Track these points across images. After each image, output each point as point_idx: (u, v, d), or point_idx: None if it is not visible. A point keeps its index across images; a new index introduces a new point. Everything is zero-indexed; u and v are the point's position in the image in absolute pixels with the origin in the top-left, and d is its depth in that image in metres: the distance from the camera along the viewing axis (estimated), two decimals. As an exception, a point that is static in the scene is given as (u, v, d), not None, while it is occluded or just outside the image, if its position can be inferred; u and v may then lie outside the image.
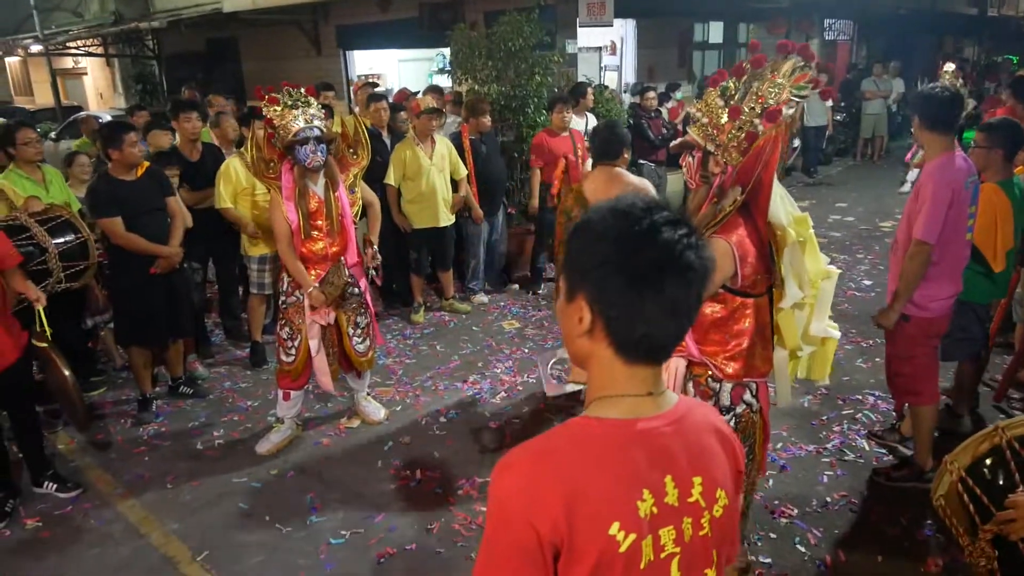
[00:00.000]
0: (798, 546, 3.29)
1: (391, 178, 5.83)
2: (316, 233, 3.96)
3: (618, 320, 1.13)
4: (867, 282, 6.73)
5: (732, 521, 1.27)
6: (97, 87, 20.09)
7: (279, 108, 3.79)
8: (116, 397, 5.05)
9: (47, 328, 3.62)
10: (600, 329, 1.14)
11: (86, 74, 20.23)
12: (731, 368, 2.48)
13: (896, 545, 3.28)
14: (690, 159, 2.37)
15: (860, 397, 4.56)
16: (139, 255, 4.38)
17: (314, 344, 4.06)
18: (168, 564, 3.35)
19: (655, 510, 1.14)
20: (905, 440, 3.93)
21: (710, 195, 2.42)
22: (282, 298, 4.15)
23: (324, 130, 3.83)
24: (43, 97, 20.41)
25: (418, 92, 11.25)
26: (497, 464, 1.17)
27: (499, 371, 5.20)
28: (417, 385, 5.00)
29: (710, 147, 2.27)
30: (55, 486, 3.89)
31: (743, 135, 2.20)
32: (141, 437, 4.50)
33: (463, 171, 6.11)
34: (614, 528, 1.10)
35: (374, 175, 5.90)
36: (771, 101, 2.18)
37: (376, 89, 7.77)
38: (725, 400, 2.51)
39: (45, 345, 3.66)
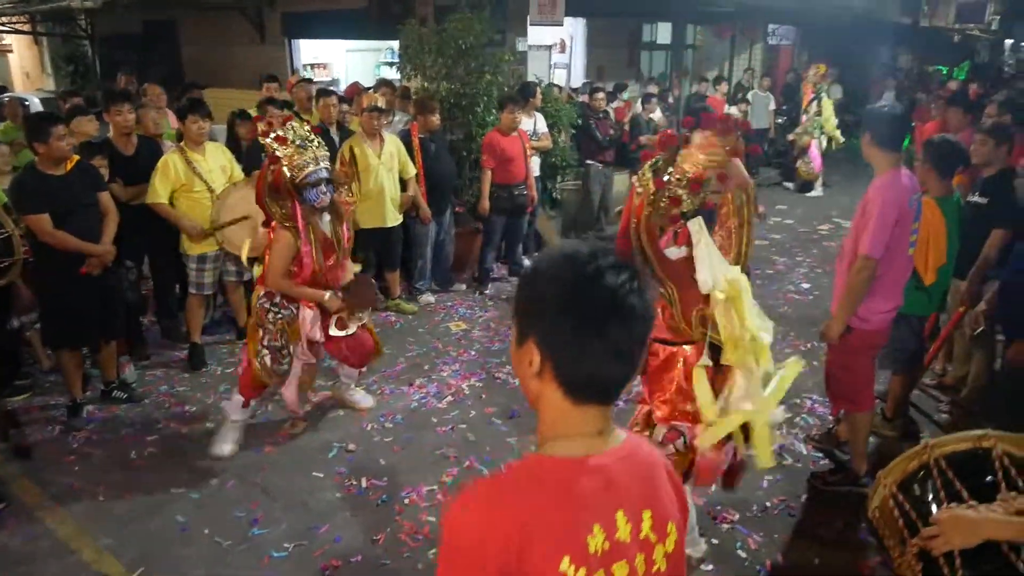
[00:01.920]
0: (739, 551, 3.37)
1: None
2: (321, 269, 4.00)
3: (565, 362, 1.17)
4: (805, 285, 6.90)
5: (683, 556, 1.31)
6: (23, 66, 19.14)
7: (289, 149, 3.74)
8: (44, 402, 4.82)
9: None
10: (549, 370, 1.18)
11: (11, 52, 19.22)
12: (660, 412, 2.75)
13: (833, 548, 3.40)
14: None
15: (799, 401, 4.67)
16: (68, 253, 4.20)
17: (297, 366, 4.11)
18: (101, 582, 3.23)
19: (606, 545, 1.17)
20: (841, 444, 4.04)
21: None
22: (272, 312, 4.03)
23: (330, 169, 3.89)
24: (-35, 75, 19.41)
25: (369, 88, 11.15)
26: (454, 499, 1.20)
27: (446, 374, 5.16)
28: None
29: (648, 211, 2.57)
30: (-24, 500, 3.70)
31: (667, 202, 2.49)
32: (71, 445, 4.31)
33: (412, 170, 6.03)
34: (564, 563, 1.13)
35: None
36: (689, 171, 2.51)
37: (315, 81, 7.61)
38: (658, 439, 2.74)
39: None
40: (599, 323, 1.14)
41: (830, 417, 4.37)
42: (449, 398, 4.81)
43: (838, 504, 3.63)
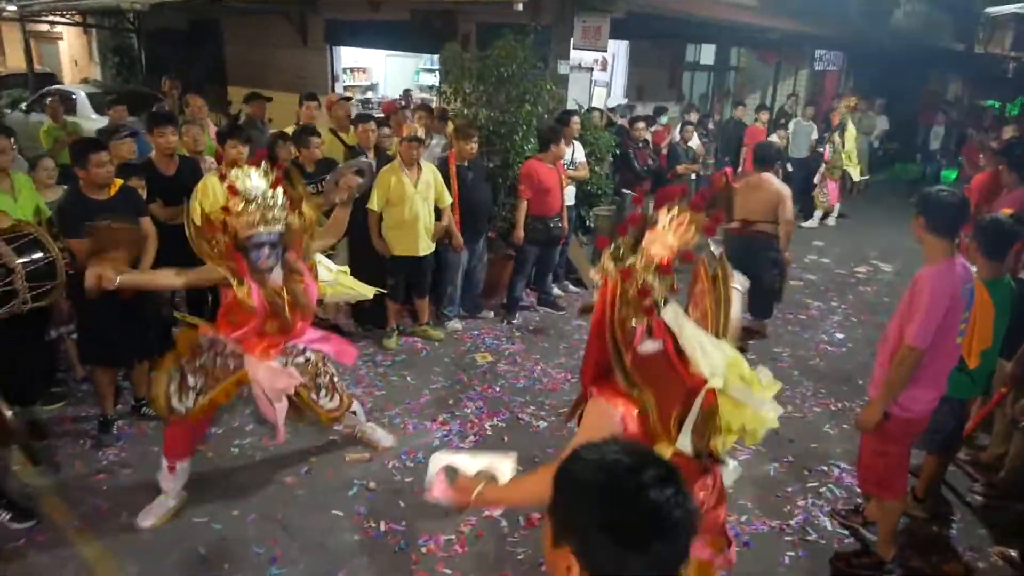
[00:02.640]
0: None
1: (374, 203, 5.75)
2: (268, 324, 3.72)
3: (605, 574, 1.15)
4: (839, 335, 6.79)
5: None
6: (72, 54, 19.52)
7: (238, 201, 3.47)
8: (76, 413, 4.93)
9: None
10: None
11: (61, 39, 19.63)
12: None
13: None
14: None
15: (826, 468, 4.60)
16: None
17: (280, 407, 3.84)
18: (121, 614, 3.29)
19: None
20: (868, 524, 3.97)
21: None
22: (207, 355, 3.76)
23: (285, 229, 3.58)
24: (15, 60, 19.81)
25: (408, 91, 11.20)
26: None
27: (469, 411, 5.17)
28: (386, 422, 4.94)
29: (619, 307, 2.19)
30: (8, 515, 3.79)
31: (636, 293, 2.15)
32: (100, 462, 4.40)
33: (447, 199, 6.04)
34: None
35: (358, 199, 5.83)
36: (659, 254, 2.15)
37: (354, 86, 7.61)
38: None
39: None
40: (642, 541, 1.12)
41: (858, 489, 4.30)
42: (472, 438, 4.82)
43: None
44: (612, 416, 2.14)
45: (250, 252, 3.51)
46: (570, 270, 7.90)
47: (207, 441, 4.57)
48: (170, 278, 3.75)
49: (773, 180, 6.13)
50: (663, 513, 1.11)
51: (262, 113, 8.06)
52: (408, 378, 5.66)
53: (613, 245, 2.22)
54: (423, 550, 3.76)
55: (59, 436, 4.65)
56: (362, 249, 6.03)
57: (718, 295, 2.40)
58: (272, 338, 3.76)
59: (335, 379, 4.17)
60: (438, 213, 6.06)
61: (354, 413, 4.46)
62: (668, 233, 2.17)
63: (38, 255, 4.17)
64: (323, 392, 4.07)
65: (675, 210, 2.20)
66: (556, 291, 7.48)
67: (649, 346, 2.22)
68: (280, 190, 3.56)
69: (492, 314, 6.99)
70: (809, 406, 5.40)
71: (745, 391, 2.27)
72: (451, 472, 2.27)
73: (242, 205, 3.45)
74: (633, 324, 2.18)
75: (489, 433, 4.90)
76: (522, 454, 4.54)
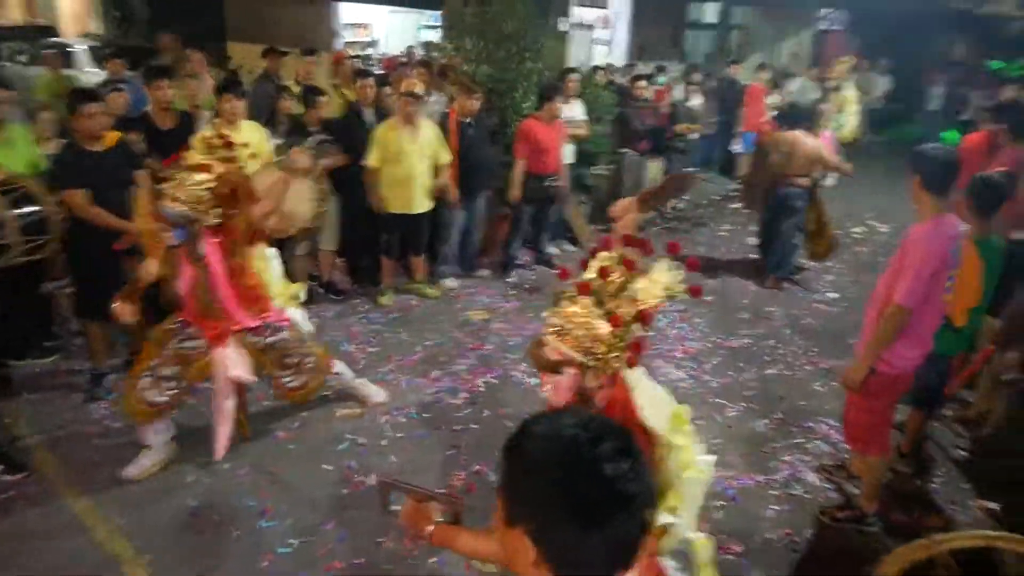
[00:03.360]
0: (736, 587, 3.36)
1: (371, 159, 5.68)
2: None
3: (562, 555, 1.12)
4: (832, 294, 6.77)
5: None
6: (72, 7, 19.23)
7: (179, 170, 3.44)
8: (69, 367, 4.95)
9: None
10: (543, 561, 1.13)
11: (60, -9, 19.32)
12: None
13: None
14: (560, 379, 1.98)
15: (813, 425, 4.62)
16: (102, 229, 4.25)
17: (228, 405, 3.91)
18: (112, 563, 3.32)
19: None
20: (853, 478, 3.99)
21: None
22: (178, 338, 3.77)
23: (186, 212, 3.41)
24: (13, 11, 19.50)
25: (411, 48, 11.03)
26: None
27: (462, 368, 5.18)
28: (379, 378, 4.95)
29: (589, 361, 1.93)
30: (1, 467, 3.81)
31: (626, 344, 1.96)
32: (92, 416, 4.42)
33: (446, 157, 5.97)
34: None
35: (353, 155, 5.78)
36: (646, 303, 1.98)
37: (355, 41, 7.46)
38: None
39: None
40: (601, 517, 1.08)
41: (844, 446, 4.32)
42: (464, 395, 4.83)
43: (843, 545, 3.59)
44: None
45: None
46: (567, 229, 7.86)
47: (199, 395, 4.58)
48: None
49: (805, 137, 6.52)
50: (622, 486, 1.08)
51: (278, 68, 7.86)
52: (402, 335, 5.66)
53: (596, 290, 1.98)
54: (378, 497, 3.77)
55: (51, 389, 4.67)
56: (355, 205, 5.99)
57: None
58: (216, 323, 3.76)
59: (308, 361, 4.10)
60: (436, 170, 6.00)
61: (338, 373, 4.45)
62: (662, 278, 2.00)
63: (30, 209, 4.15)
64: (288, 372, 4.04)
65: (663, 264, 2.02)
66: (553, 250, 7.45)
67: (606, 396, 2.04)
68: (204, 178, 3.43)
69: (488, 272, 6.96)
70: (800, 364, 5.40)
71: (687, 440, 2.15)
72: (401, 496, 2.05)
73: (179, 173, 3.42)
74: (607, 372, 1.97)
75: (482, 390, 4.91)
76: (513, 410, 4.63)
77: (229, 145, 3.54)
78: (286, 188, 3.88)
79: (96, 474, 3.89)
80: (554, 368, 1.94)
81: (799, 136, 6.50)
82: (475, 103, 6.06)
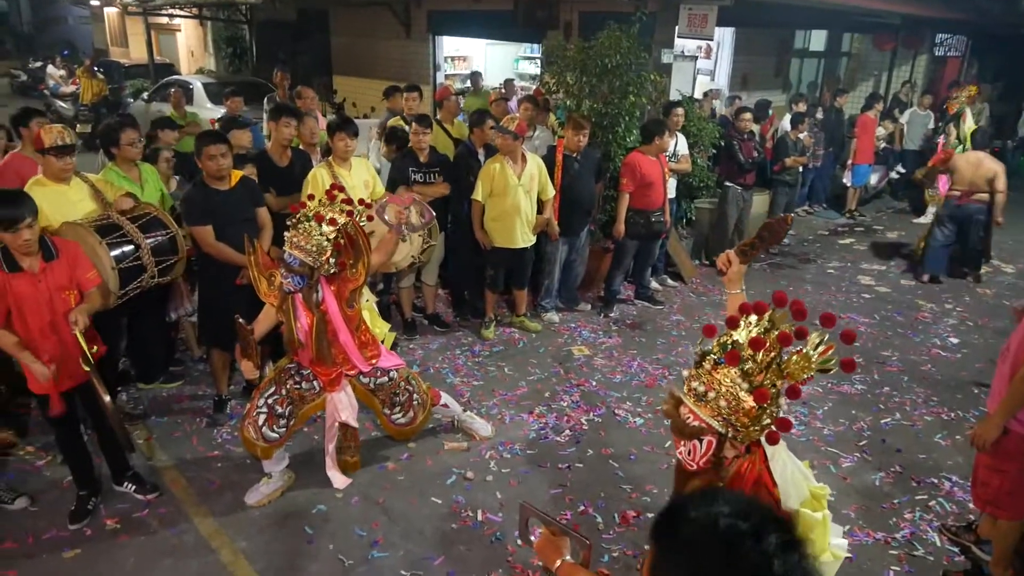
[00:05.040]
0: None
1: (478, 194, 5.81)
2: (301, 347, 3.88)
3: None
4: (954, 340, 6.43)
5: None
6: (189, 45, 20.54)
7: (297, 219, 3.59)
8: (193, 392, 5.23)
9: (88, 352, 3.49)
10: None
11: (179, 31, 20.69)
12: None
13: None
14: (697, 445, 1.93)
15: (936, 481, 4.38)
16: (226, 263, 4.50)
17: (331, 445, 4.11)
18: (235, 587, 3.47)
19: None
20: (981, 542, 3.76)
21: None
22: (293, 380, 3.95)
23: (308, 261, 3.54)
24: (137, 51, 21.02)
25: (510, 80, 11.21)
26: None
27: (565, 404, 5.18)
28: (484, 412, 5.01)
29: (728, 432, 1.88)
30: (134, 487, 4.06)
31: (771, 420, 1.87)
32: (215, 440, 4.65)
33: (550, 192, 6.04)
34: None
35: (465, 192, 5.93)
36: (796, 377, 1.87)
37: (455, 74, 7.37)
38: None
39: (87, 369, 3.54)
40: None
41: (970, 505, 4.09)
42: (567, 432, 4.83)
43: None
44: None
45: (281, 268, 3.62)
46: (669, 263, 7.79)
47: (313, 423, 4.75)
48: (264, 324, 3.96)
49: (988, 158, 7.65)
50: None
51: (398, 105, 7.93)
52: (505, 369, 5.72)
53: (747, 363, 1.88)
54: (519, 543, 3.80)
55: (177, 413, 4.94)
56: (461, 239, 6.12)
57: None
58: (328, 368, 3.92)
59: (415, 397, 4.24)
60: (541, 205, 6.07)
61: (445, 406, 4.56)
62: (815, 355, 1.89)
63: (160, 232, 4.43)
64: (397, 408, 4.20)
65: (819, 335, 1.92)
66: (654, 284, 7.40)
67: (741, 466, 1.98)
68: (330, 230, 3.57)
69: (589, 307, 6.96)
70: (920, 414, 5.15)
71: (824, 524, 2.08)
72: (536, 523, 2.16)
73: (295, 224, 3.57)
74: (745, 443, 1.93)
75: (585, 428, 4.90)
76: (617, 452, 4.59)
77: (348, 200, 3.69)
78: (396, 241, 4.03)
79: (220, 497, 4.09)
80: (692, 435, 1.92)
81: (983, 156, 7.63)
82: (582, 139, 6.10)
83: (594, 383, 5.51)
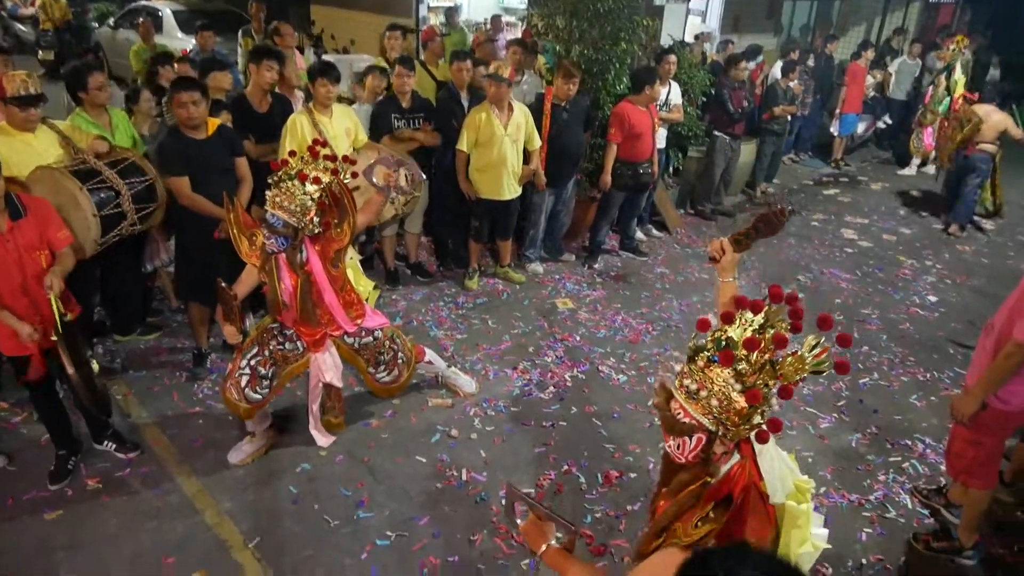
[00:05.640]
0: (831, 612, 3.31)
1: (463, 143, 5.67)
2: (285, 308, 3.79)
3: None
4: (932, 298, 6.48)
5: None
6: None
7: (279, 178, 3.44)
8: (171, 344, 5.15)
9: (59, 317, 3.36)
10: None
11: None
12: None
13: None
14: (686, 441, 1.87)
15: (910, 443, 4.46)
16: (203, 216, 4.37)
17: (315, 405, 4.06)
18: (221, 548, 3.47)
19: None
20: (951, 506, 3.85)
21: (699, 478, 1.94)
22: (276, 340, 3.86)
23: (291, 222, 3.42)
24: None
25: (497, 17, 10.84)
26: None
27: (549, 360, 5.18)
28: (468, 367, 5.00)
29: (719, 430, 1.83)
30: (114, 446, 4.02)
31: (763, 419, 1.82)
32: (196, 395, 4.60)
33: (537, 142, 5.91)
34: None
35: (450, 138, 5.78)
36: (789, 379, 1.81)
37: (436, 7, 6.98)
38: None
39: (55, 339, 3.40)
40: None
41: (942, 467, 4.18)
42: (551, 389, 4.84)
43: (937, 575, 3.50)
44: None
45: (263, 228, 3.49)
46: (654, 213, 7.73)
47: (295, 381, 4.71)
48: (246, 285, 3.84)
49: (995, 110, 7.86)
50: None
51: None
52: (489, 322, 5.69)
53: (739, 360, 1.81)
54: (503, 502, 3.82)
55: (156, 367, 4.87)
56: (446, 189, 6.00)
57: None
58: (313, 329, 3.84)
59: (400, 355, 4.20)
60: (527, 155, 5.95)
61: (429, 362, 4.52)
62: (809, 357, 1.83)
63: (138, 178, 4.29)
64: (382, 367, 4.16)
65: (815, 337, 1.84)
66: (639, 235, 7.34)
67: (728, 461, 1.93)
68: (314, 189, 3.43)
69: (573, 257, 6.92)
70: (896, 374, 5.22)
71: (807, 516, 2.11)
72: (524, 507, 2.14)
73: (276, 181, 3.44)
74: (735, 441, 1.88)
75: (569, 385, 4.91)
76: (601, 410, 4.62)
77: (332, 157, 3.56)
78: (383, 203, 3.91)
79: (203, 455, 4.07)
80: (682, 432, 1.91)
81: (990, 109, 7.81)
82: (572, 87, 5.94)
83: (578, 338, 5.51)
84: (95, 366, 3.82)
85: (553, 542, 2.09)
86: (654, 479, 4.00)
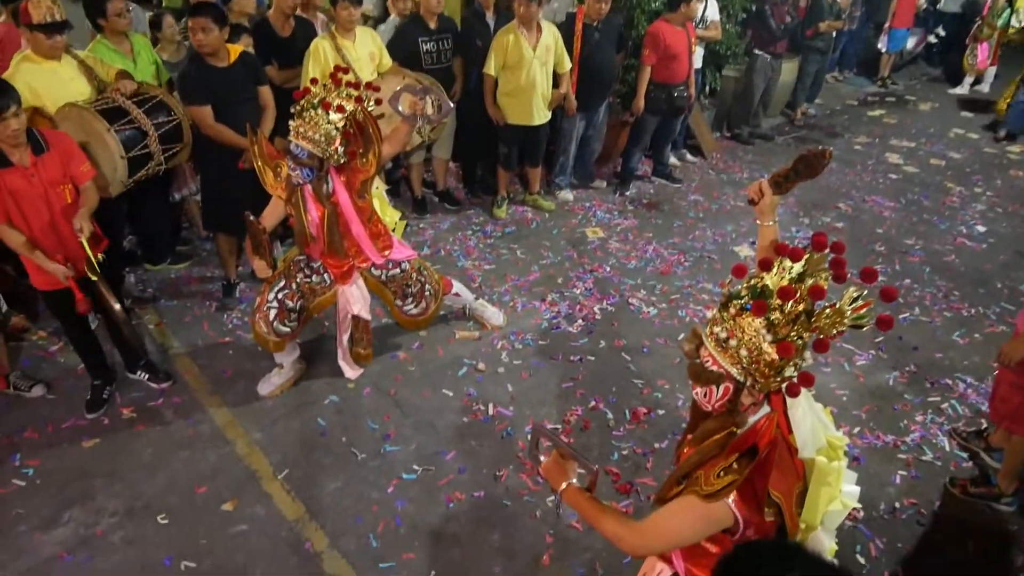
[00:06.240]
0: (858, 556, 3.28)
1: (490, 67, 5.47)
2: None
3: None
4: (980, 228, 6.22)
5: None
6: None
7: (301, 107, 3.34)
8: (201, 273, 5.18)
9: (94, 259, 3.40)
10: None
11: None
12: None
13: (959, 574, 3.22)
14: (714, 389, 1.82)
15: (950, 382, 4.35)
16: (227, 146, 4.29)
17: (344, 337, 4.05)
18: (252, 478, 3.54)
19: None
20: (991, 450, 3.78)
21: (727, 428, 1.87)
22: (303, 273, 3.83)
23: (316, 152, 3.34)
24: None
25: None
26: None
27: (578, 292, 5.11)
28: (495, 299, 4.96)
29: (747, 380, 1.75)
30: (147, 376, 4.08)
31: (796, 373, 1.74)
32: (226, 326, 4.64)
33: (567, 64, 5.68)
34: None
35: (474, 59, 5.57)
36: (826, 332, 1.72)
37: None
38: None
39: (95, 279, 3.46)
40: None
41: (982, 408, 4.08)
42: (580, 322, 4.78)
43: (973, 523, 3.44)
44: (722, 505, 1.78)
45: (288, 158, 3.41)
46: (688, 136, 7.47)
47: (324, 312, 4.71)
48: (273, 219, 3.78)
49: None
50: None
51: None
52: (518, 252, 5.61)
53: (774, 314, 1.72)
54: (529, 438, 3.82)
55: (187, 297, 4.91)
56: (473, 115, 5.83)
57: None
58: (340, 261, 3.79)
59: (427, 288, 4.15)
60: (557, 78, 5.73)
61: (457, 295, 4.47)
62: (848, 310, 1.72)
63: (165, 117, 4.22)
64: (409, 299, 4.12)
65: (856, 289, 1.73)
66: (673, 160, 7.13)
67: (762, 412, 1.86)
68: (338, 117, 3.32)
69: (604, 184, 6.76)
70: (939, 309, 5.06)
71: (838, 474, 2.00)
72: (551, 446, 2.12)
73: (300, 111, 3.34)
74: (764, 392, 1.81)
75: (598, 317, 4.84)
76: (630, 344, 4.56)
77: (355, 84, 3.43)
78: (410, 132, 3.79)
79: (233, 386, 4.12)
80: (709, 381, 1.84)
81: None
82: (604, 6, 5.65)
83: (608, 269, 5.41)
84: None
85: (575, 481, 2.07)
86: (683, 417, 3.99)
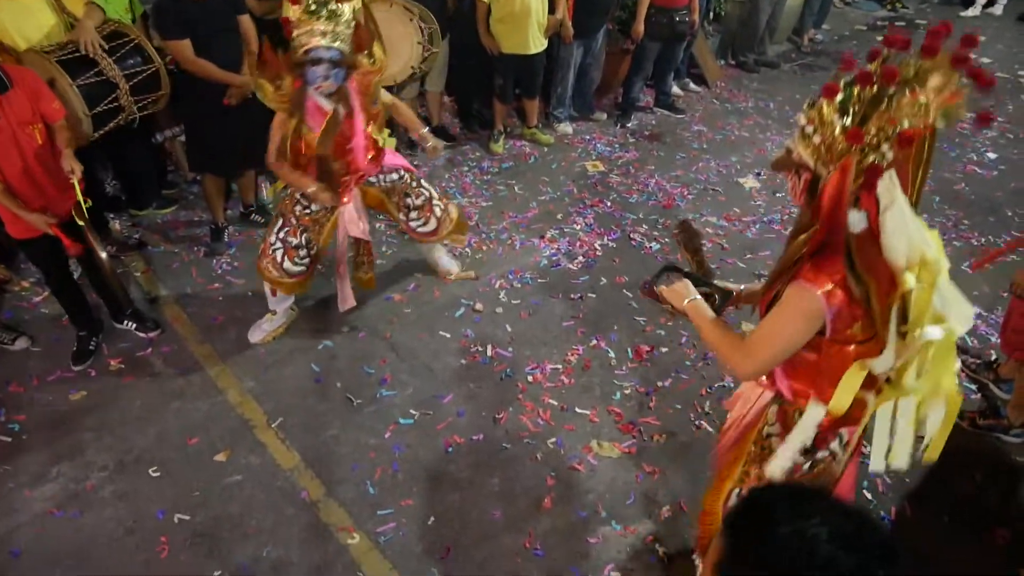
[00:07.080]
0: (865, 491, 3.21)
1: (482, -8, 5.20)
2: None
3: None
4: (991, 155, 6.01)
5: None
6: None
7: (299, 10, 3.10)
8: (188, 217, 5.01)
9: (83, 203, 3.29)
10: None
11: None
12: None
13: (966, 507, 3.16)
14: (796, 179, 1.82)
15: (961, 313, 4.22)
16: (211, 82, 4.08)
17: (342, 267, 3.87)
18: (245, 427, 3.45)
19: None
20: (1000, 381, 3.68)
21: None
22: (300, 206, 3.65)
23: (345, 49, 3.19)
24: None
25: None
26: None
27: (578, 228, 4.95)
28: (493, 236, 4.81)
29: (822, 171, 1.72)
30: (135, 325, 3.96)
31: (864, 166, 1.65)
32: (215, 271, 4.50)
33: (563, -12, 5.41)
34: None
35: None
36: (907, 123, 1.59)
37: None
38: (808, 441, 2.09)
39: (83, 224, 3.35)
40: None
41: (992, 339, 3.97)
42: (580, 258, 4.64)
43: (981, 454, 3.36)
44: (812, 297, 1.76)
45: (307, 72, 3.18)
46: (692, 64, 7.19)
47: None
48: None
49: None
50: None
51: None
52: (516, 188, 5.43)
53: (843, 94, 1.64)
54: (529, 379, 3.74)
55: (174, 242, 4.75)
56: (466, 45, 5.56)
57: (920, 159, 1.75)
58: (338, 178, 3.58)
59: (435, 203, 3.98)
60: (553, 3, 5.45)
61: None
62: (935, 97, 1.58)
63: (141, 65, 4.00)
64: (415, 213, 3.95)
65: (943, 75, 1.59)
66: (676, 89, 6.87)
67: (856, 220, 1.73)
68: (349, 8, 3.14)
69: (605, 115, 6.53)
70: (948, 239, 4.89)
71: (930, 289, 1.78)
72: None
73: (304, 16, 3.10)
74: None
75: (599, 253, 4.70)
76: (631, 280, 4.43)
77: None
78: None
79: (224, 333, 4.01)
80: (789, 166, 1.82)
81: None
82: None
83: (609, 204, 5.24)
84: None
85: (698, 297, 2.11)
86: (687, 355, 3.89)
